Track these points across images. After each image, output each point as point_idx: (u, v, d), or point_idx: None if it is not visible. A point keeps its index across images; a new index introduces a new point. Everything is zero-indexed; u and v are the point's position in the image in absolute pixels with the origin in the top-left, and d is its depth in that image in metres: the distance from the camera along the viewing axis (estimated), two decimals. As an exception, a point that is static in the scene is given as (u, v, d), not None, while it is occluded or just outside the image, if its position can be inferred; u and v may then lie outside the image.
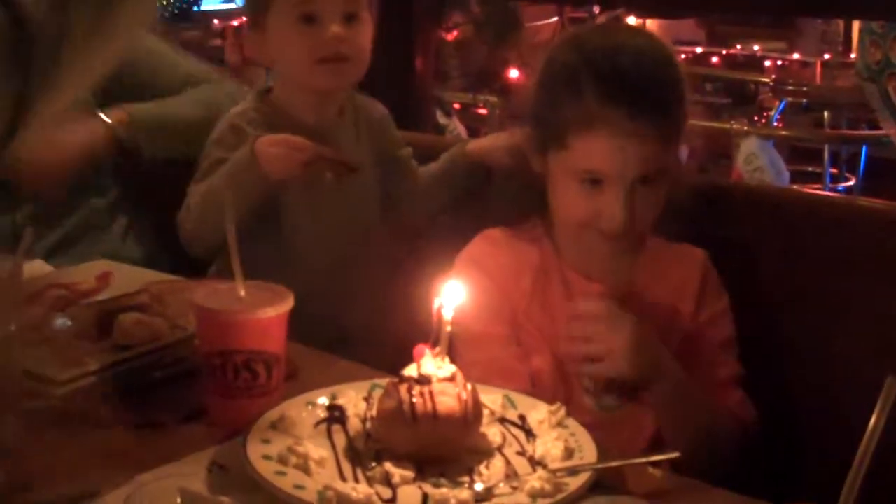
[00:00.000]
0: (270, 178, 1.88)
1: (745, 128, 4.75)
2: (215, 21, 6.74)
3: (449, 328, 1.26)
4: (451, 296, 1.25)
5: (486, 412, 1.32)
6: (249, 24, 2.08)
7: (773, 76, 5.84)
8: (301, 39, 1.97)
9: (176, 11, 6.88)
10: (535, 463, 1.25)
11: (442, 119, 4.58)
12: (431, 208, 2.14)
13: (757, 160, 4.64)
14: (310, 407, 1.36)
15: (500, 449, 1.29)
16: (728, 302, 1.72)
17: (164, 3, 6.71)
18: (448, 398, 1.23)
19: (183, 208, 1.98)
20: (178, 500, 1.14)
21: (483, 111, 5.13)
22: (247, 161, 1.88)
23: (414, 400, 1.23)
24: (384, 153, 2.14)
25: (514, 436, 1.32)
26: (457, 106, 5.39)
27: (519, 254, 1.74)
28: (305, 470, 1.21)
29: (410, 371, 1.26)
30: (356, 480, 1.21)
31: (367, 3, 2.02)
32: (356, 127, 2.11)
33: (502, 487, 1.19)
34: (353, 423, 1.32)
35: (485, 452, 1.27)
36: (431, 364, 1.26)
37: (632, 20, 6.46)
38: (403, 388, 1.24)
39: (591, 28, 1.82)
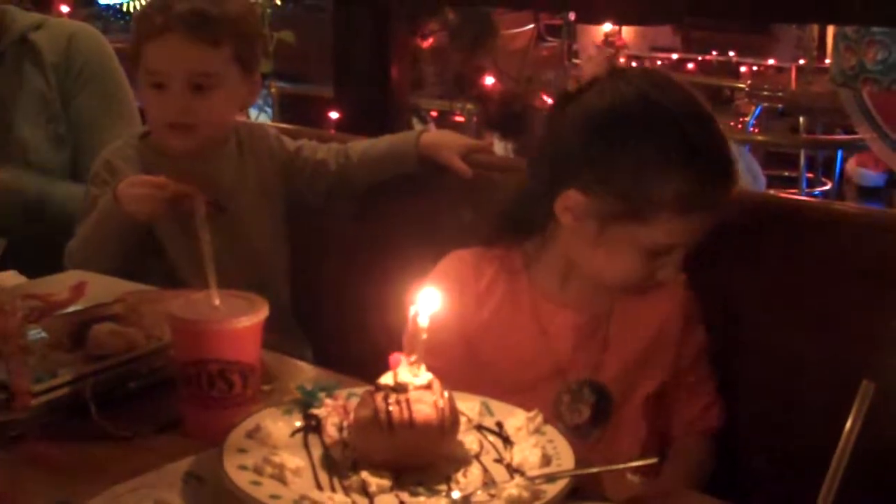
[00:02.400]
0: (136, 218, 1.94)
1: (722, 133, 4.74)
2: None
3: (424, 336, 1.25)
4: (427, 303, 1.25)
5: (463, 419, 1.31)
6: (129, 62, 2.16)
7: (749, 82, 5.86)
8: (153, 103, 2.07)
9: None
10: (513, 470, 1.24)
11: (418, 126, 4.58)
12: (370, 181, 2.18)
13: (733, 165, 4.65)
14: (286, 416, 1.35)
15: (477, 456, 1.28)
16: (701, 318, 1.73)
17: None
18: (424, 406, 1.23)
19: (72, 241, 2.03)
20: (154, 511, 1.13)
21: (460, 118, 5.13)
22: (111, 205, 1.95)
23: (390, 408, 1.22)
24: (283, 169, 2.19)
25: (491, 443, 1.31)
26: (434, 113, 5.39)
27: (485, 277, 1.71)
28: (282, 480, 1.20)
29: (386, 379, 1.25)
30: (333, 490, 1.20)
31: (226, 66, 2.06)
32: (241, 155, 2.16)
33: (480, 495, 1.19)
34: (330, 432, 1.31)
35: (462, 460, 1.26)
36: (407, 372, 1.25)
37: (607, 27, 6.49)
38: (379, 397, 1.23)
39: (657, 85, 1.60)
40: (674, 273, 1.61)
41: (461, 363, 1.64)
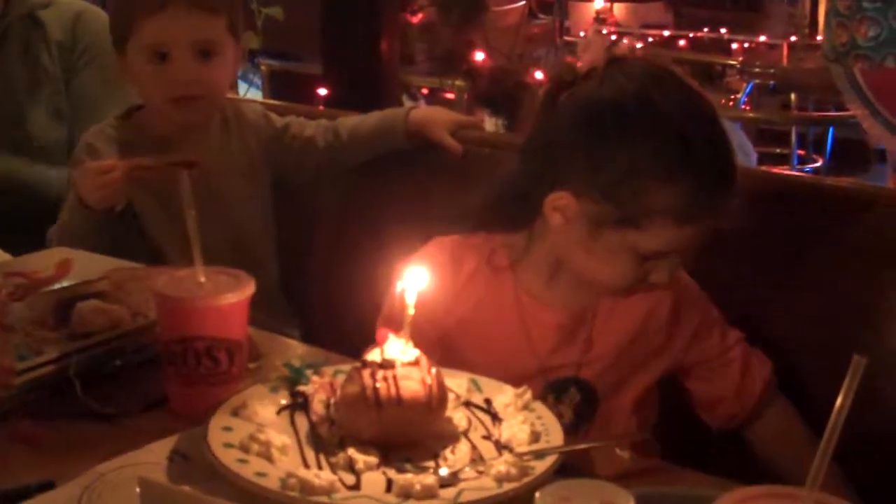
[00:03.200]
0: (96, 208, 1.92)
1: (713, 110, 4.73)
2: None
3: (412, 312, 1.24)
4: (414, 280, 1.23)
5: (451, 396, 1.30)
6: (114, 46, 2.10)
7: (740, 58, 5.85)
8: (154, 78, 2.03)
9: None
10: (501, 447, 1.23)
11: (408, 104, 4.56)
12: (360, 158, 2.17)
13: (725, 142, 4.64)
14: (273, 394, 1.34)
15: (465, 433, 1.27)
16: (708, 311, 1.68)
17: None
18: (412, 382, 1.22)
19: (52, 227, 2.03)
20: (138, 490, 1.11)
21: (451, 96, 5.11)
22: (75, 198, 1.94)
23: (377, 385, 1.21)
24: (270, 147, 2.17)
25: (479, 420, 1.30)
26: (425, 91, 5.37)
27: (465, 269, 1.65)
28: (268, 457, 1.19)
29: (374, 356, 1.24)
30: (319, 467, 1.19)
31: (225, 35, 2.05)
32: (226, 132, 2.15)
33: (468, 472, 1.18)
34: (317, 410, 1.30)
35: (450, 437, 1.26)
36: (395, 348, 1.24)
37: (598, 4, 6.47)
38: (366, 373, 1.22)
39: (659, 84, 1.51)
40: (668, 277, 1.54)
41: (438, 357, 1.59)
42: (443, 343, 1.62)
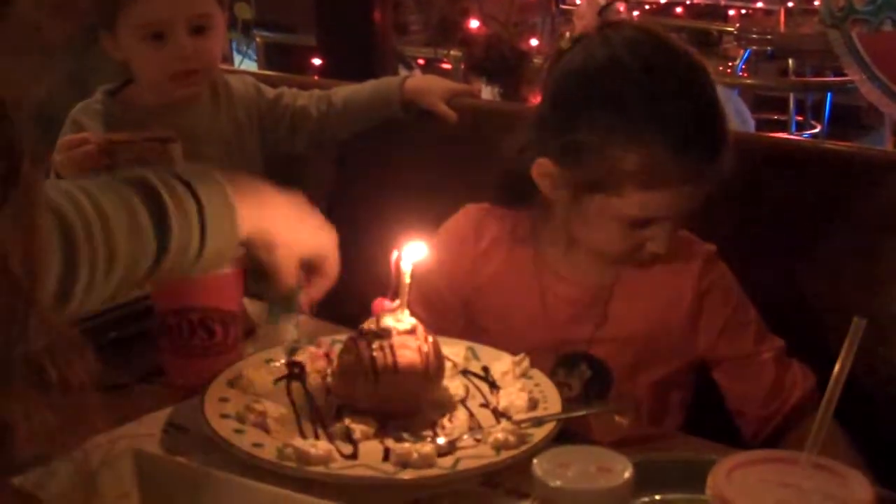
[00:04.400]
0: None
1: (710, 77, 4.71)
2: None
3: (408, 280, 1.23)
4: (410, 249, 1.22)
5: (448, 364, 1.30)
6: (99, 21, 2.06)
7: (737, 25, 5.82)
8: (151, 56, 2.01)
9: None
10: (499, 415, 1.23)
11: (404, 73, 4.54)
12: (354, 127, 2.16)
13: (722, 109, 4.62)
14: (268, 364, 1.33)
15: (463, 401, 1.26)
16: (743, 309, 1.60)
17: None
18: (409, 351, 1.21)
19: None
20: (133, 462, 1.10)
21: (447, 66, 5.08)
22: (54, 176, 1.90)
23: (374, 354, 1.20)
24: (262, 118, 2.16)
25: (477, 388, 1.30)
26: (421, 61, 5.34)
27: (486, 237, 1.65)
28: (264, 428, 1.19)
29: (370, 325, 1.23)
30: (316, 437, 1.18)
31: (215, 6, 2.04)
32: (215, 105, 2.13)
33: (466, 440, 1.17)
34: (313, 380, 1.29)
35: (448, 405, 1.25)
36: (391, 317, 1.23)
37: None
38: (363, 343, 1.21)
39: (633, 48, 1.48)
40: (663, 245, 1.50)
41: (459, 326, 1.59)
42: (465, 310, 1.63)
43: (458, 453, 1.15)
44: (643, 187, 1.44)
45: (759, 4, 6.30)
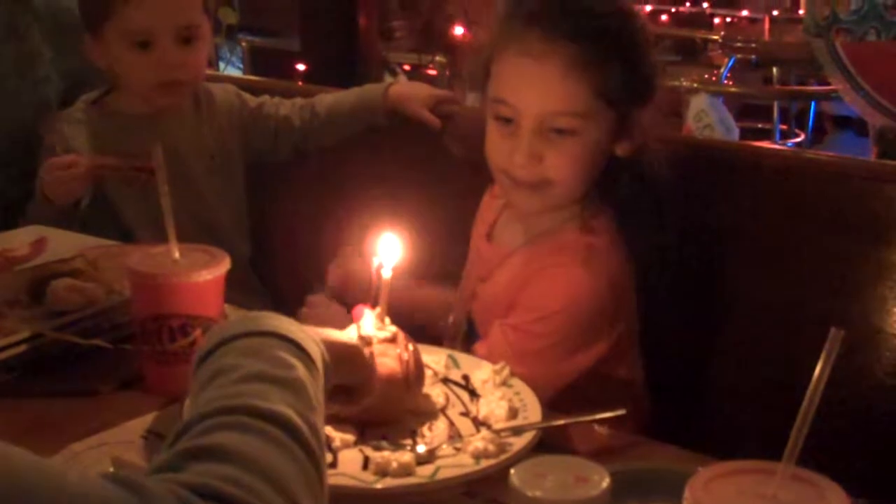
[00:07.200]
0: (58, 203, 1.92)
1: (695, 85, 4.72)
2: None
3: (388, 288, 1.23)
4: (389, 253, 1.22)
5: (428, 372, 1.29)
6: (86, 26, 2.07)
7: (722, 33, 5.83)
8: (138, 65, 2.01)
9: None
10: (479, 423, 1.23)
11: (388, 79, 4.53)
12: (339, 135, 2.15)
13: (707, 117, 4.63)
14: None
15: (443, 410, 1.26)
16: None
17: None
18: (388, 360, 1.20)
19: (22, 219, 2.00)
20: (112, 469, 1.10)
21: (433, 72, 5.09)
22: (41, 193, 1.93)
23: (354, 362, 1.20)
24: (243, 126, 2.17)
25: (457, 396, 1.30)
26: (407, 67, 5.34)
27: (493, 209, 1.73)
28: (243, 436, 1.18)
29: (350, 332, 1.23)
30: (296, 445, 1.18)
31: (201, 16, 2.05)
32: (197, 114, 2.14)
33: (445, 449, 1.17)
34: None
35: (428, 414, 1.25)
36: (371, 325, 1.23)
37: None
38: (343, 350, 1.21)
39: None
40: (522, 156, 1.48)
41: None
42: None
43: (438, 462, 1.15)
44: (498, 53, 1.52)
45: (744, 13, 6.31)
